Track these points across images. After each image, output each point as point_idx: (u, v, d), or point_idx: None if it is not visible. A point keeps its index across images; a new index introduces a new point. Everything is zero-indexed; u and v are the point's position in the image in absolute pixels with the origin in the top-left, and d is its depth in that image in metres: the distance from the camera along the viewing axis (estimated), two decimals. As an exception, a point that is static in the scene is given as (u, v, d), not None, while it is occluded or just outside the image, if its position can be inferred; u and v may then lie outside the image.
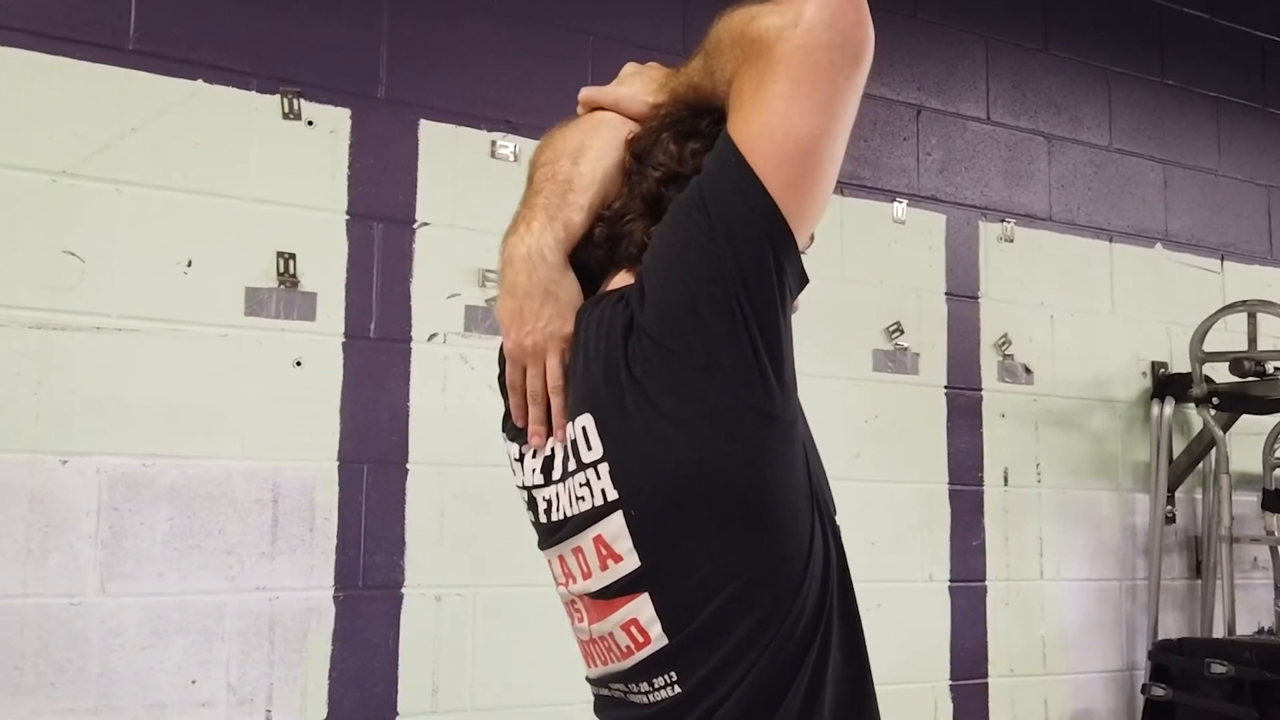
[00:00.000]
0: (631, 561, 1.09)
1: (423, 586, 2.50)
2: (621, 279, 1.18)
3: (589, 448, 1.11)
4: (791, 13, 1.01)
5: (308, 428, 2.44)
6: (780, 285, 1.04)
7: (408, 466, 2.51)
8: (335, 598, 2.43)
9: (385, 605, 2.47)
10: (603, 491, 1.09)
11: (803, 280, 1.08)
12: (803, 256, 1.08)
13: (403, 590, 2.48)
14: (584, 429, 1.11)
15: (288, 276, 2.42)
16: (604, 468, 1.09)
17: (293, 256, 2.43)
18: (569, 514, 1.14)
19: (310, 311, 2.45)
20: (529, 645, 2.52)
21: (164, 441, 2.30)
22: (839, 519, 1.17)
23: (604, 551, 1.10)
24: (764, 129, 1.02)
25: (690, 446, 1.05)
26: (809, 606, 1.07)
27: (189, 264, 2.36)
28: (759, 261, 1.03)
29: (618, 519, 1.09)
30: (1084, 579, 3.40)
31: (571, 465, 1.13)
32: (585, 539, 1.12)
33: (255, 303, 2.41)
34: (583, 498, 1.12)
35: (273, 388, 2.41)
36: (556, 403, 1.16)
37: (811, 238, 1.16)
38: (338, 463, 2.45)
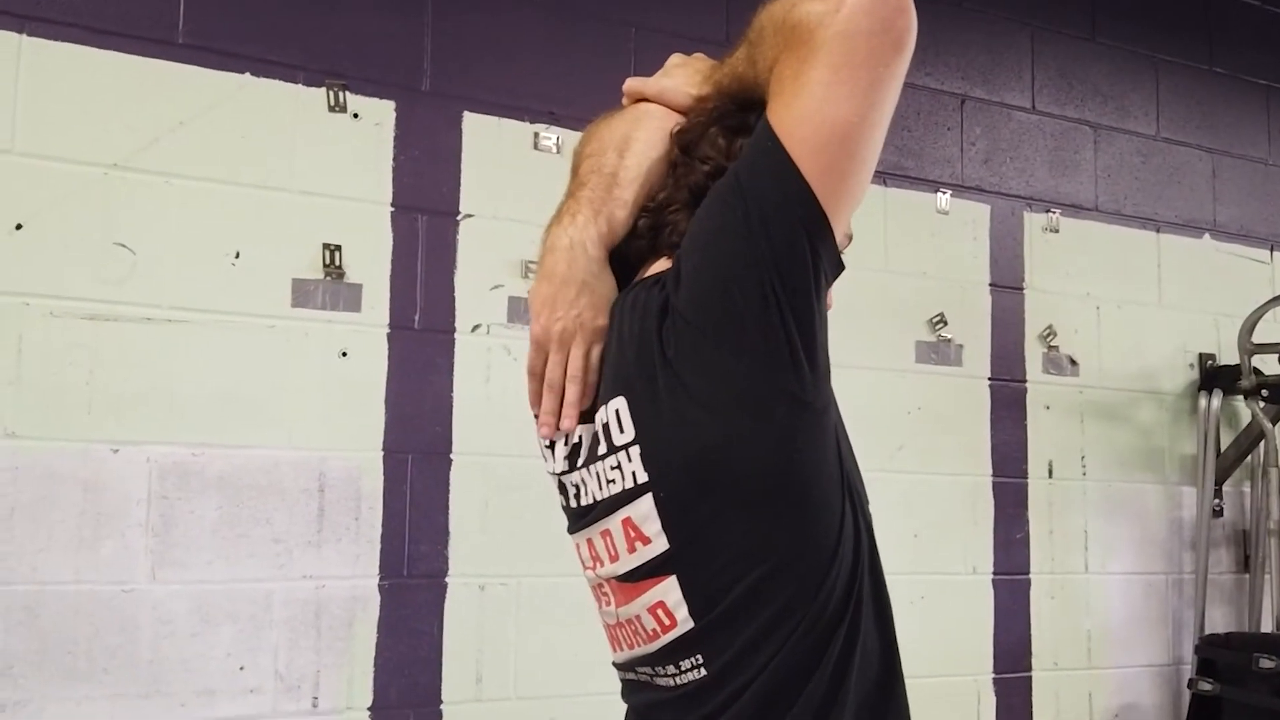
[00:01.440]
0: (660, 544, 1.09)
1: (466, 576, 2.52)
2: (660, 265, 1.18)
3: (621, 430, 1.11)
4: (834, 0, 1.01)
5: (353, 418, 2.46)
6: (815, 271, 1.04)
7: (451, 457, 2.53)
8: (380, 586, 2.45)
9: (429, 594, 2.49)
10: (633, 474, 1.10)
11: (838, 268, 1.07)
12: (842, 254, 1.08)
13: (447, 579, 2.50)
14: (617, 411, 1.11)
15: (334, 268, 2.45)
16: (635, 450, 1.09)
17: (338, 248, 2.46)
18: (598, 498, 1.15)
19: (356, 303, 2.48)
20: (572, 634, 2.53)
21: (213, 431, 2.34)
22: (873, 509, 1.17)
23: (633, 534, 1.11)
24: (802, 115, 1.02)
25: (720, 429, 1.05)
26: (837, 592, 1.07)
27: (237, 256, 2.39)
28: (793, 247, 1.02)
29: (647, 501, 1.09)
30: (1130, 572, 3.37)
31: (602, 449, 1.13)
32: (614, 521, 1.12)
33: (302, 294, 2.43)
34: (613, 480, 1.12)
35: (319, 378, 2.44)
36: (572, 393, 1.17)
37: (850, 237, 1.16)
38: (383, 453, 2.48)
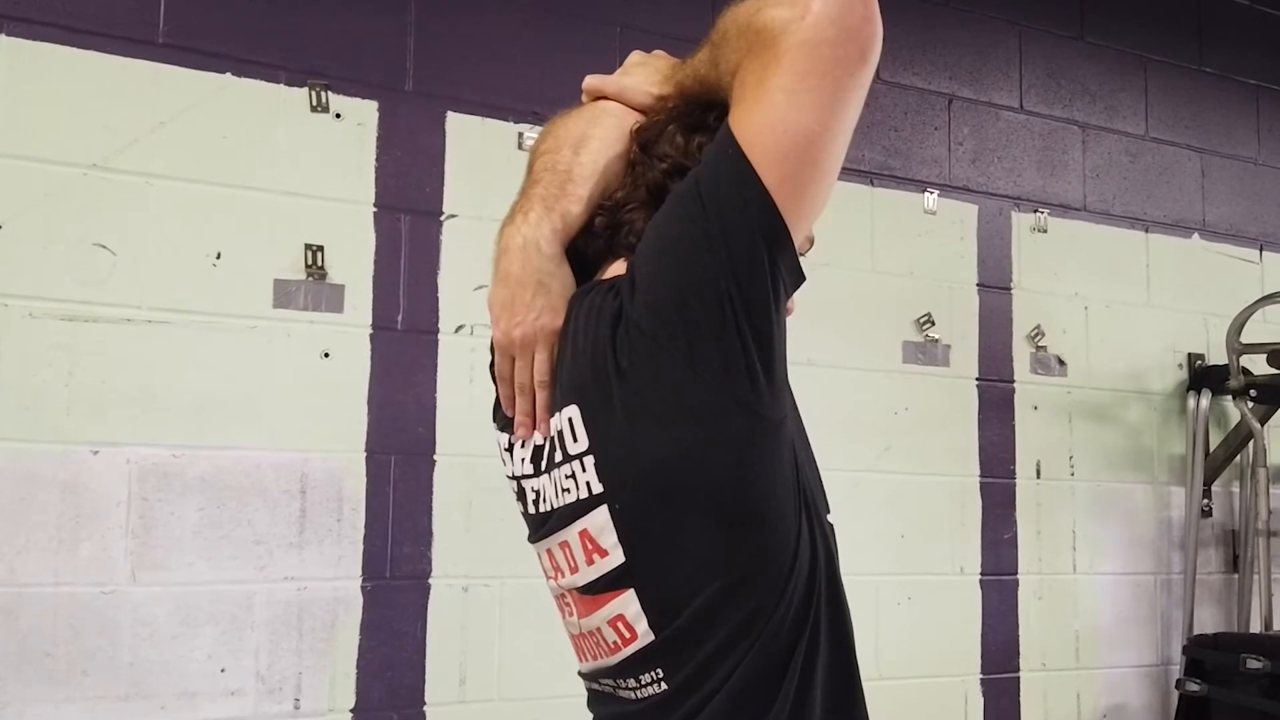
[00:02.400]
0: (616, 556, 1.08)
1: (450, 577, 2.51)
2: (617, 268, 1.16)
3: (575, 439, 1.10)
4: (799, 6, 0.99)
5: (336, 419, 2.45)
6: (774, 282, 1.02)
7: (435, 458, 2.52)
8: (363, 588, 2.44)
9: (413, 595, 2.48)
10: (588, 484, 1.08)
11: (798, 277, 1.06)
12: (802, 257, 1.06)
13: (430, 581, 2.50)
14: (570, 420, 1.10)
15: (316, 268, 2.44)
16: (590, 460, 1.08)
17: (321, 249, 2.45)
18: (555, 505, 1.13)
19: (338, 303, 2.47)
20: (556, 636, 2.50)
21: (194, 432, 2.33)
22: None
23: (590, 546, 1.10)
24: (764, 123, 1.01)
25: (674, 442, 1.03)
26: (795, 604, 1.06)
27: (218, 256, 2.38)
28: (752, 257, 1.01)
29: (603, 513, 1.08)
30: (1118, 573, 3.37)
31: (558, 456, 1.12)
32: (571, 533, 1.11)
33: (284, 294, 2.42)
34: (568, 489, 1.11)
35: (301, 379, 2.43)
36: (542, 397, 1.15)
37: (811, 240, 1.15)
38: (365, 454, 2.47)
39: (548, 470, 1.15)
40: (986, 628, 3.14)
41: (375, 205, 2.52)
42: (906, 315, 3.13)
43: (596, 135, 1.20)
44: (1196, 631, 3.33)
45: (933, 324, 3.13)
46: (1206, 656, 3.15)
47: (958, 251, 3.23)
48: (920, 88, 3.21)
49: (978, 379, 3.21)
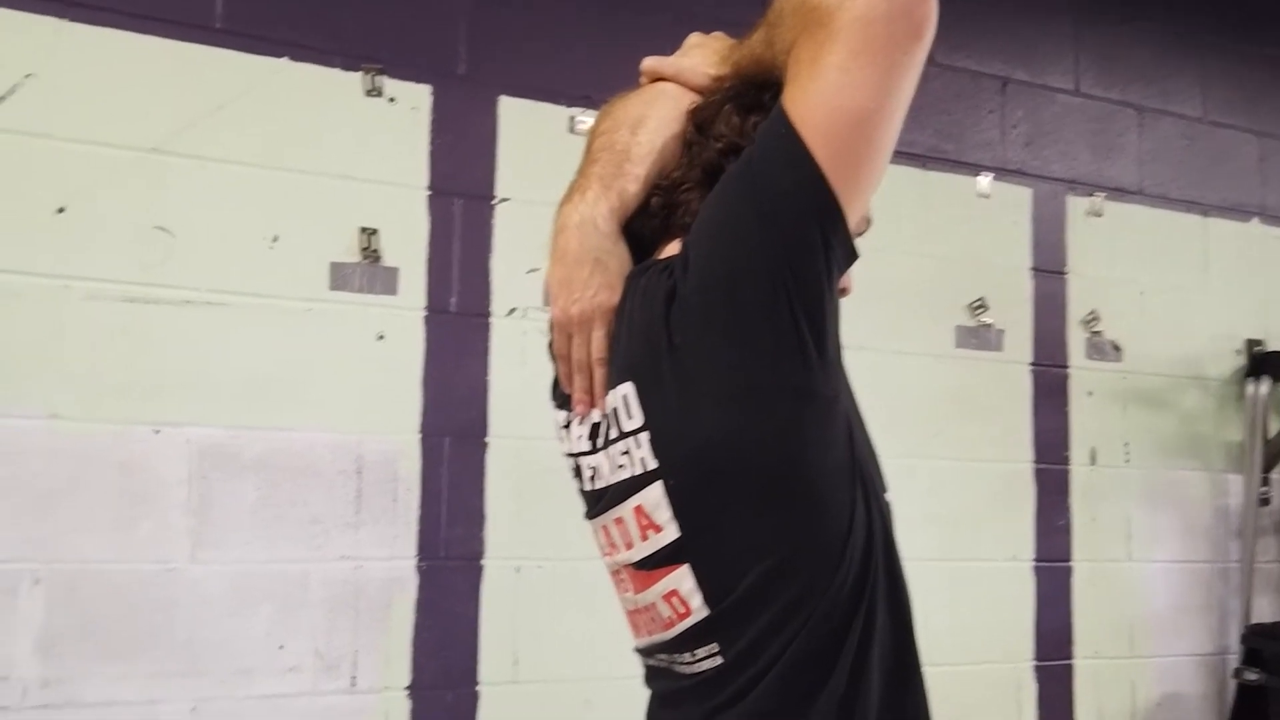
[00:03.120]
0: (671, 532, 1.08)
1: (502, 558, 2.53)
2: (673, 248, 1.16)
3: (629, 416, 1.10)
4: None
5: (390, 401, 2.47)
6: (826, 260, 1.02)
7: (487, 440, 2.54)
8: (418, 568, 2.46)
9: (466, 576, 2.50)
10: (642, 460, 1.09)
11: (851, 256, 1.05)
12: (859, 239, 1.06)
13: (483, 562, 2.51)
14: (624, 397, 1.11)
15: (370, 251, 2.46)
16: (644, 437, 1.09)
17: (375, 232, 2.47)
18: (610, 482, 1.14)
19: (392, 286, 2.48)
20: (607, 618, 2.52)
21: (251, 413, 2.35)
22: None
23: (644, 521, 1.10)
24: (818, 101, 1.00)
25: (726, 419, 1.04)
26: (850, 581, 1.06)
27: (275, 239, 2.40)
28: (804, 235, 1.01)
29: (657, 489, 1.08)
30: (1174, 560, 3.33)
31: (613, 433, 1.13)
32: (626, 509, 1.12)
33: (339, 277, 2.45)
34: (623, 466, 1.11)
35: (356, 361, 2.45)
36: (600, 374, 1.16)
37: (869, 221, 1.14)
38: (419, 435, 2.49)
39: (604, 447, 1.15)
40: (1039, 615, 3.11)
41: (429, 189, 2.54)
42: (959, 300, 3.10)
43: (654, 116, 1.21)
44: (1254, 620, 3.29)
45: (985, 309, 3.11)
46: (1265, 646, 3.11)
47: (1011, 236, 3.20)
48: (974, 70, 3.18)
49: (1031, 364, 3.18)
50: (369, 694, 2.39)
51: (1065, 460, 3.21)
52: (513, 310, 2.58)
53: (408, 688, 2.43)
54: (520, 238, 2.59)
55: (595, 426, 1.17)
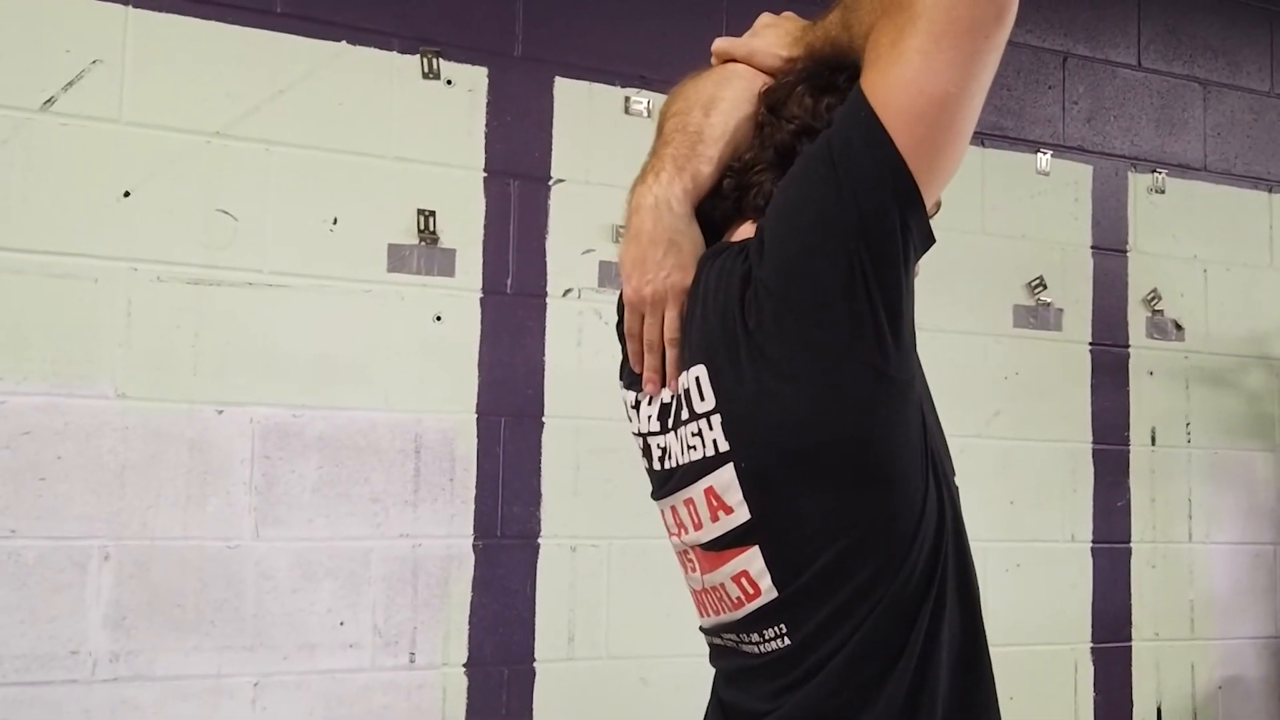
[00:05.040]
0: (742, 513, 1.09)
1: (558, 537, 2.55)
2: (745, 230, 1.17)
3: (702, 398, 1.11)
4: None
5: (448, 380, 2.50)
6: (904, 244, 1.02)
7: (543, 420, 2.56)
8: (475, 546, 2.49)
9: (522, 554, 2.53)
10: (714, 442, 1.10)
11: (928, 240, 1.05)
12: (930, 220, 1.06)
13: (539, 540, 2.54)
14: (697, 379, 1.11)
15: (428, 233, 2.48)
16: (716, 419, 1.09)
17: (433, 214, 2.49)
18: (680, 462, 1.15)
19: (449, 267, 2.51)
20: (661, 596, 2.55)
21: (312, 393, 2.40)
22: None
23: (715, 503, 1.11)
24: (899, 84, 1.00)
25: (801, 402, 1.04)
26: (920, 566, 1.06)
27: (335, 222, 2.44)
28: (883, 219, 1.01)
29: (729, 470, 1.09)
30: (1236, 542, 3.29)
31: (684, 415, 1.13)
32: (697, 490, 1.13)
33: (397, 259, 2.48)
34: (694, 447, 1.12)
35: (414, 342, 2.48)
36: (671, 354, 1.17)
37: (939, 205, 1.14)
38: (476, 415, 2.51)
39: (674, 428, 1.16)
40: (1097, 596, 3.09)
41: (485, 170, 2.56)
42: (1017, 279, 3.07)
43: (726, 97, 1.21)
44: (1318, 604, 3.24)
45: (1044, 287, 3.08)
46: (1329, 629, 3.06)
47: (1071, 213, 3.16)
48: (1034, 45, 3.14)
49: (1091, 344, 3.15)
50: (427, 670, 2.44)
51: (1125, 440, 3.17)
52: (568, 291, 2.59)
53: (465, 664, 2.47)
54: (575, 219, 2.61)
55: (665, 407, 1.18)
